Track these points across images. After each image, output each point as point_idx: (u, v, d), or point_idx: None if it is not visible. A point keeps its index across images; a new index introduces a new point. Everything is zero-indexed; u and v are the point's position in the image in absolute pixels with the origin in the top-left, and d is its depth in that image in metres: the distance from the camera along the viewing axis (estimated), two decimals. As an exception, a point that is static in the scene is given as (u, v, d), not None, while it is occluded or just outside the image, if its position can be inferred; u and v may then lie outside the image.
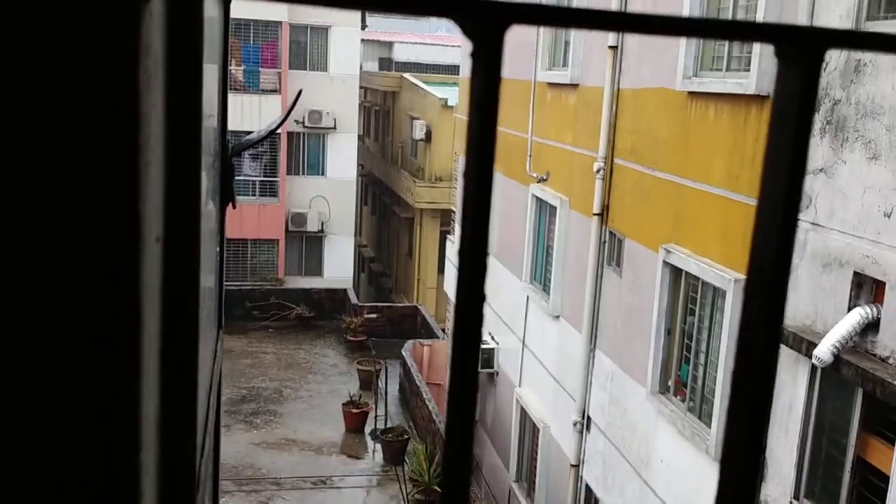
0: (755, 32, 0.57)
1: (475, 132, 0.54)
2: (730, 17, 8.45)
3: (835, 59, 6.79)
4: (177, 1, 0.64)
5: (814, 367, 6.78)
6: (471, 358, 0.53)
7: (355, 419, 18.56)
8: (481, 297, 0.55)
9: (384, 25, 47.45)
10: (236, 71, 26.40)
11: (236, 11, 26.67)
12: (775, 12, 7.54)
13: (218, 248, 1.72)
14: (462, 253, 0.56)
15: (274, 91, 26.68)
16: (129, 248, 0.49)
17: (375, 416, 18.47)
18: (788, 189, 0.54)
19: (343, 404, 18.80)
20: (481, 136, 0.54)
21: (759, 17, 7.70)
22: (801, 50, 0.54)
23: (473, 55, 0.53)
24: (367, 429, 18.62)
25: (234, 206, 1.81)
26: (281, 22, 26.43)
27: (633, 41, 10.39)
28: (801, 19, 7.11)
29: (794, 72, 0.54)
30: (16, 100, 0.46)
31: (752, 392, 0.56)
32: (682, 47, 8.98)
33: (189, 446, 0.80)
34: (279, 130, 26.40)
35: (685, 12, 8.94)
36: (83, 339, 0.49)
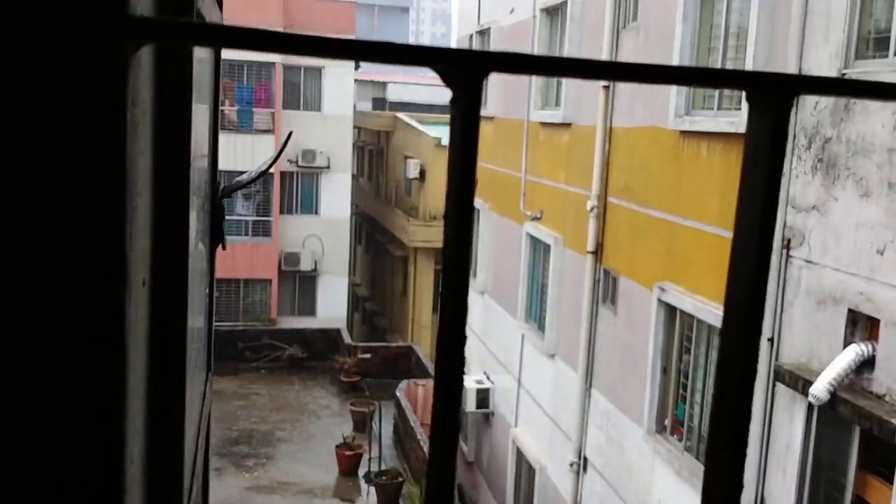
0: (726, 79, 0.58)
1: (455, 175, 0.55)
2: (720, 55, 8.56)
3: (824, 97, 6.87)
4: (165, 51, 0.66)
5: (810, 406, 6.76)
6: (453, 403, 0.53)
7: (349, 462, 18.36)
8: (462, 337, 0.56)
9: (378, 66, 47.89)
10: (230, 111, 26.55)
11: (230, 53, 26.95)
12: (764, 52, 7.65)
13: (207, 290, 1.72)
14: (444, 296, 0.56)
15: (268, 131, 26.81)
16: (115, 291, 0.49)
17: (369, 459, 18.29)
18: (761, 232, 0.55)
19: (336, 446, 18.61)
20: (461, 179, 0.55)
21: (749, 56, 7.79)
22: (771, 96, 0.55)
23: (452, 102, 0.54)
24: (361, 471, 18.42)
25: (223, 248, 1.82)
26: (274, 63, 26.67)
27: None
28: (791, 58, 7.21)
29: (765, 117, 0.55)
30: (2, 145, 0.47)
31: (733, 413, 0.56)
32: (674, 87, 9.08)
33: (176, 490, 0.80)
34: (272, 170, 26.49)
35: (675, 53, 9.06)
36: (66, 381, 0.49)
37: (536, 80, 13.23)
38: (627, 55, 10.41)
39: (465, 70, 0.53)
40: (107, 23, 0.46)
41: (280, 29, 29.20)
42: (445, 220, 0.58)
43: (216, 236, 1.71)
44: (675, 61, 9.05)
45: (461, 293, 0.52)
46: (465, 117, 0.54)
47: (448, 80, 0.55)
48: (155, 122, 0.65)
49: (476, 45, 16.45)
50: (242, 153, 26.03)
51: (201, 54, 1.31)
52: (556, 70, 0.54)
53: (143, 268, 0.62)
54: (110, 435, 0.52)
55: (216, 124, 1.81)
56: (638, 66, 0.55)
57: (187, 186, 0.76)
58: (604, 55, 10.72)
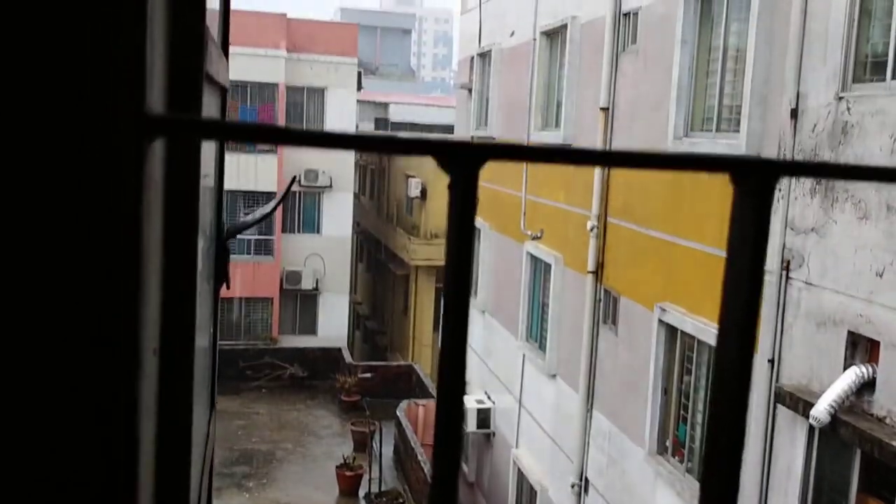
0: (712, 164, 0.61)
1: (453, 254, 0.58)
2: (718, 77, 8.61)
3: (822, 119, 6.91)
4: (176, 140, 0.69)
5: (811, 428, 6.75)
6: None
7: (349, 482, 18.30)
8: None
9: (380, 86, 48.13)
10: (233, 131, 26.60)
11: (234, 73, 26.95)
12: (762, 74, 7.70)
13: (212, 330, 1.75)
14: (441, 378, 0.59)
15: (271, 151, 26.92)
16: (128, 361, 0.52)
17: (370, 479, 18.22)
18: (746, 314, 0.58)
19: (337, 467, 18.55)
20: (458, 256, 0.57)
21: (748, 79, 7.84)
22: (755, 179, 0.58)
23: (450, 187, 0.57)
24: (362, 492, 18.35)
25: (227, 287, 1.84)
26: (278, 84, 26.81)
27: (624, 102, 10.57)
28: (789, 81, 7.25)
29: (749, 199, 0.58)
30: (26, 227, 0.50)
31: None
32: (673, 106, 9.13)
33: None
34: (274, 189, 26.56)
35: (674, 76, 9.12)
36: (78, 456, 0.51)
37: (536, 101, 13.31)
38: (627, 78, 10.47)
39: (463, 160, 0.56)
40: (124, 122, 0.48)
41: (283, 52, 29.28)
42: (445, 297, 0.61)
43: (220, 277, 1.74)
44: (673, 84, 9.11)
45: (459, 376, 0.54)
46: (463, 202, 0.57)
47: (446, 168, 0.57)
48: (165, 197, 0.68)
49: (477, 67, 16.55)
50: (246, 173, 26.13)
51: (209, 110, 1.34)
52: (550, 158, 0.57)
53: (154, 338, 0.64)
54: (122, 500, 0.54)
55: (222, 163, 1.84)
56: (627, 153, 0.58)
57: (196, 254, 0.79)
58: (603, 78, 10.79)
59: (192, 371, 0.79)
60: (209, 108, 1.32)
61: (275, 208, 2.72)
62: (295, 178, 3.44)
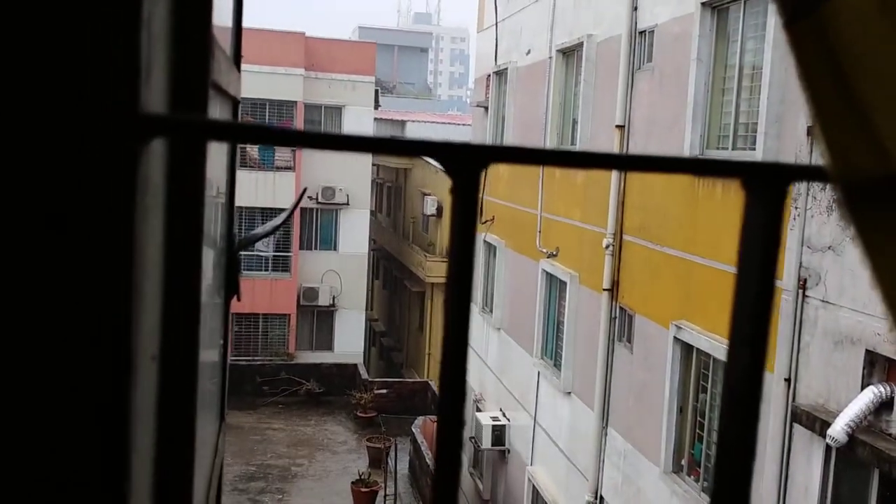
0: (722, 169, 0.60)
1: (455, 259, 0.57)
2: (734, 95, 8.59)
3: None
4: (179, 141, 0.68)
5: (828, 447, 6.67)
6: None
7: (364, 498, 18.24)
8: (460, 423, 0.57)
9: (397, 105, 48.35)
10: (251, 149, 26.81)
11: (252, 91, 27.15)
12: (778, 92, 7.67)
13: (222, 342, 1.75)
14: (442, 378, 0.58)
15: (288, 168, 27.06)
16: (119, 369, 0.51)
17: (385, 496, 18.16)
18: (756, 321, 0.57)
19: (352, 483, 18.50)
20: (460, 264, 0.57)
21: (763, 96, 7.82)
22: (766, 184, 0.57)
23: (452, 191, 0.56)
24: (377, 508, 18.28)
25: (238, 299, 1.84)
26: (296, 102, 26.97)
27: (639, 120, 10.55)
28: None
29: (760, 204, 0.56)
30: (13, 231, 0.49)
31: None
32: (689, 124, 9.11)
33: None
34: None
35: (690, 94, 9.09)
36: (69, 463, 0.50)
37: (552, 118, 13.31)
38: (642, 96, 10.46)
39: (466, 162, 0.55)
40: (118, 120, 0.48)
41: (302, 70, 29.50)
42: (446, 303, 0.60)
43: (231, 288, 1.74)
44: (689, 102, 9.09)
45: (460, 380, 0.53)
46: (465, 204, 0.56)
47: (449, 171, 0.57)
48: (168, 201, 0.67)
49: (493, 85, 16.59)
50: (264, 190, 26.27)
51: (215, 98, 1.34)
52: (553, 160, 0.56)
53: (152, 344, 0.63)
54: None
55: (234, 174, 1.85)
56: (635, 157, 0.57)
57: (199, 261, 0.78)
58: (619, 96, 10.78)
59: (196, 379, 0.78)
60: (220, 117, 1.32)
61: (286, 220, 2.72)
62: (305, 189, 3.46)
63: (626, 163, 0.57)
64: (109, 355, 0.49)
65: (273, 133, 0.52)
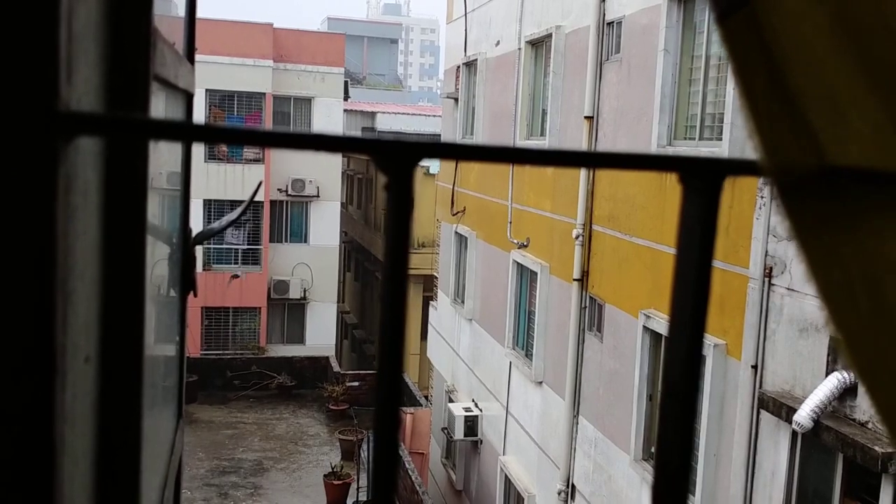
0: (659, 163, 0.59)
1: (389, 255, 0.57)
2: (701, 86, 8.65)
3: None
4: (111, 139, 0.67)
5: (794, 433, 6.77)
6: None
7: (337, 491, 18.23)
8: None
9: (367, 96, 48.16)
10: (219, 140, 26.57)
11: (221, 83, 26.88)
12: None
13: (178, 338, 1.72)
14: (379, 379, 0.57)
15: (257, 160, 26.87)
16: (45, 372, 0.49)
17: (357, 488, 18.16)
18: (694, 311, 0.57)
19: (325, 476, 18.48)
20: (394, 259, 0.56)
21: (730, 86, 7.88)
22: (702, 178, 0.57)
23: (386, 188, 0.56)
24: (350, 501, 18.28)
25: (195, 295, 1.82)
26: (265, 93, 26.78)
27: (608, 111, 10.60)
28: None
29: (696, 198, 0.56)
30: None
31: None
32: (657, 115, 9.16)
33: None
34: (262, 199, 26.51)
35: (657, 84, 9.14)
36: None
37: (521, 109, 13.33)
38: (610, 87, 10.50)
39: (398, 158, 0.55)
40: (34, 119, 0.46)
41: (270, 61, 29.25)
42: (381, 299, 0.60)
43: (187, 284, 1.72)
44: (657, 93, 9.15)
45: (395, 382, 0.53)
46: (399, 199, 0.56)
47: (382, 168, 0.56)
48: (103, 197, 0.66)
49: (463, 76, 16.57)
50: (233, 182, 26.08)
51: (165, 93, 1.32)
52: (481, 156, 0.55)
53: (87, 345, 0.62)
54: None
55: (189, 168, 1.82)
56: (574, 152, 0.56)
57: (142, 258, 0.77)
58: (588, 87, 10.82)
59: (140, 379, 0.77)
60: (169, 111, 1.30)
61: (241, 213, 2.70)
62: (261, 183, 3.43)
63: (563, 159, 0.56)
64: (28, 357, 0.48)
65: (201, 130, 0.51)
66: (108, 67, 0.68)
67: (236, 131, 0.50)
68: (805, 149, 0.54)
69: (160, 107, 1.17)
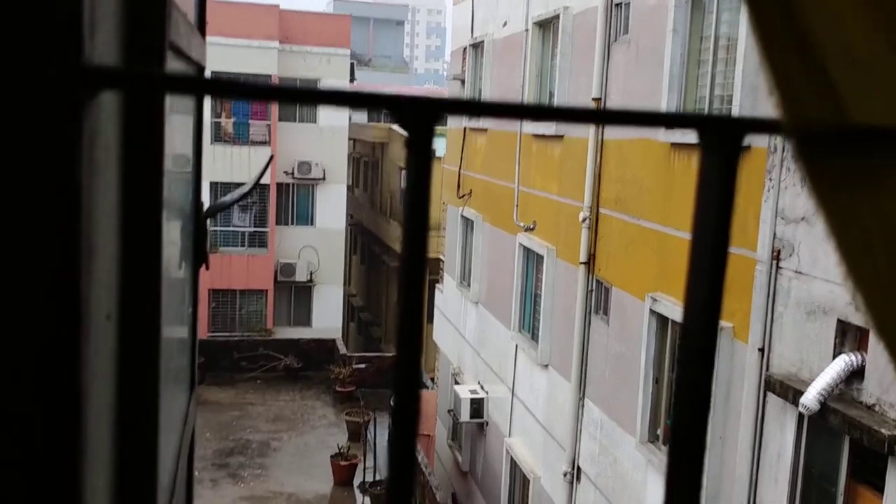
0: (679, 122, 0.60)
1: (409, 212, 0.57)
2: (710, 67, 8.60)
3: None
4: (134, 94, 0.67)
5: (801, 416, 6.77)
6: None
7: (344, 472, 18.34)
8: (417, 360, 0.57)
9: (373, 78, 48.02)
10: (227, 123, 26.59)
11: (227, 65, 26.88)
12: (753, 63, 7.69)
13: (191, 309, 1.73)
14: (400, 331, 0.58)
15: (263, 143, 26.86)
16: (69, 328, 0.50)
17: (364, 469, 18.26)
18: (712, 273, 0.57)
19: (331, 456, 18.59)
20: (414, 215, 0.56)
21: (738, 68, 7.84)
22: (721, 137, 0.57)
23: (407, 144, 0.56)
24: (356, 481, 18.39)
25: (206, 268, 1.83)
26: (271, 75, 26.72)
27: (616, 92, 10.55)
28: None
29: (715, 158, 0.57)
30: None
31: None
32: (665, 96, 9.12)
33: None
34: (268, 182, 26.52)
35: (666, 65, 9.10)
36: (19, 415, 0.50)
37: (529, 92, 13.28)
38: (618, 68, 10.45)
39: (419, 113, 0.55)
40: (60, 73, 0.47)
41: (276, 43, 29.19)
42: (400, 258, 0.60)
43: (199, 256, 1.73)
44: (665, 74, 9.10)
45: (415, 333, 0.53)
46: (419, 159, 0.56)
47: (403, 124, 0.57)
48: (122, 157, 0.66)
49: (470, 58, 16.51)
50: (239, 165, 26.08)
51: (177, 65, 1.32)
52: (504, 113, 0.55)
53: (108, 302, 0.63)
54: (66, 468, 0.52)
55: (200, 141, 1.82)
56: (592, 110, 0.56)
57: (159, 219, 0.77)
58: (595, 68, 10.77)
59: (158, 336, 0.78)
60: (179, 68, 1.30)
61: (253, 187, 2.71)
62: (272, 157, 3.44)
63: (583, 116, 0.56)
64: (56, 306, 0.49)
65: (221, 86, 0.51)
66: (126, 31, 0.69)
67: (252, 86, 0.50)
68: (825, 106, 0.54)
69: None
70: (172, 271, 1.22)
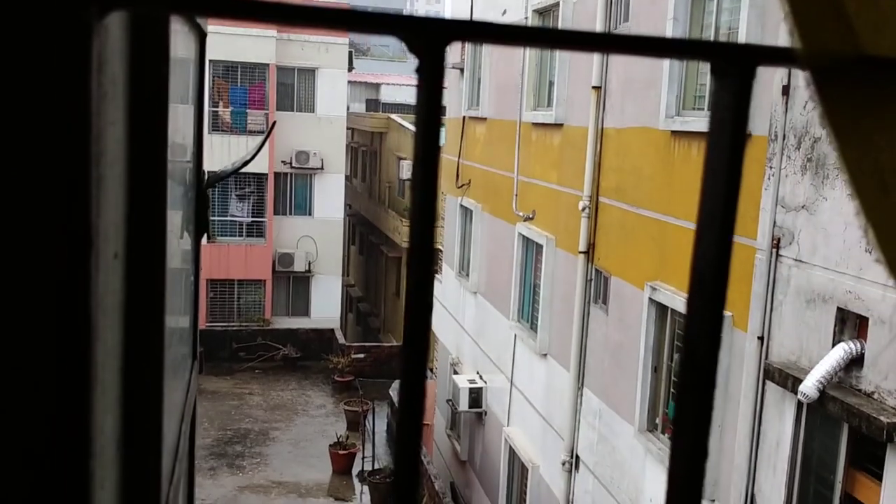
0: (690, 50, 0.59)
1: (419, 143, 0.56)
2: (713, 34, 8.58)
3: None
4: (139, 24, 0.66)
5: (800, 404, 6.78)
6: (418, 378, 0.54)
7: (342, 461, 18.37)
8: (429, 304, 0.56)
9: (371, 67, 47.91)
10: (224, 112, 26.53)
11: (224, 54, 26.76)
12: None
13: (193, 278, 1.73)
14: (410, 265, 0.57)
15: (261, 132, 26.79)
16: (80, 259, 0.50)
17: (363, 458, 18.29)
18: (724, 208, 0.56)
19: (330, 445, 18.62)
20: (426, 145, 0.56)
21: (742, 30, 7.81)
22: (734, 66, 0.56)
23: (418, 70, 0.55)
24: (355, 470, 18.43)
25: (209, 239, 1.82)
26: (268, 64, 26.66)
27: (616, 81, 10.53)
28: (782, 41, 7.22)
29: (728, 87, 0.56)
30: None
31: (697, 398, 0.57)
32: (665, 87, 9.10)
33: (153, 465, 0.80)
34: (266, 171, 26.48)
35: (665, 70, 9.06)
36: (29, 353, 0.49)
37: (529, 81, 13.25)
38: (618, 57, 10.42)
39: (429, 37, 0.54)
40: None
41: (274, 32, 28.97)
42: (412, 189, 0.59)
43: (201, 225, 1.72)
44: (665, 62, 9.08)
45: (426, 264, 0.53)
46: (429, 85, 0.55)
47: (412, 48, 0.56)
48: (129, 94, 0.65)
49: (469, 47, 16.47)
50: (237, 154, 26.00)
51: (184, 53, 1.32)
52: (516, 39, 0.55)
53: (116, 241, 0.62)
54: (76, 404, 0.52)
55: (201, 118, 1.82)
56: (600, 35, 0.56)
57: (164, 161, 0.77)
58: (595, 57, 10.74)
59: (163, 277, 0.77)
60: (186, 48, 1.29)
61: (254, 155, 2.70)
62: (274, 123, 3.43)
63: (592, 41, 0.56)
64: (66, 235, 0.48)
65: (223, 3, 0.50)
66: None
67: (257, 4, 0.50)
68: (840, 35, 0.54)
69: (178, 35, 1.16)
70: (175, 230, 1.22)
